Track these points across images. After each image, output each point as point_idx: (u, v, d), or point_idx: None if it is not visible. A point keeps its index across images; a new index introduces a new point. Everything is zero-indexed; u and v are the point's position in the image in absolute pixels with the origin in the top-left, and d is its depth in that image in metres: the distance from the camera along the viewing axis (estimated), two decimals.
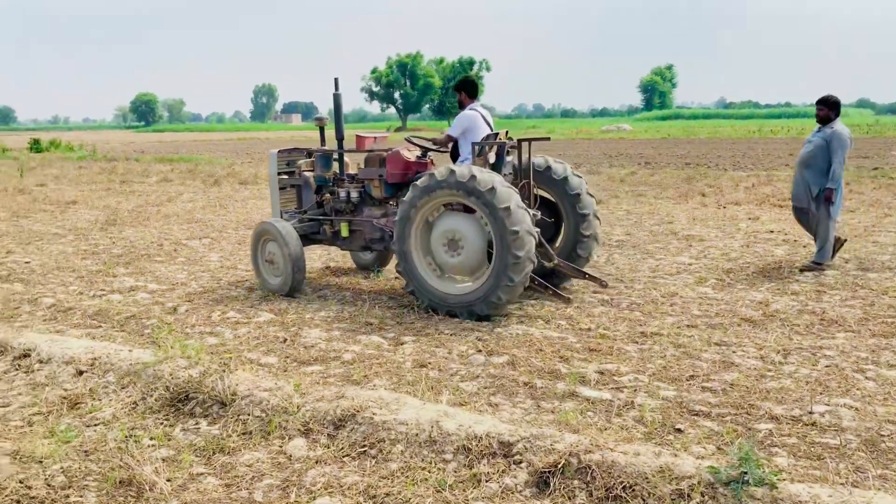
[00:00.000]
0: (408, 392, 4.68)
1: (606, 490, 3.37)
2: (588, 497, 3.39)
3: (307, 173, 8.13)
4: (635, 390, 4.72)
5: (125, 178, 21.43)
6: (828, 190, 7.92)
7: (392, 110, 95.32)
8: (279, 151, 8.23)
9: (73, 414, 4.60)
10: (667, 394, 4.65)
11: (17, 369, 5.35)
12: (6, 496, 3.48)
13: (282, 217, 7.99)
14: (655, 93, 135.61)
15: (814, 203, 8.05)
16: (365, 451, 3.94)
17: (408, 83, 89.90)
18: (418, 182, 6.64)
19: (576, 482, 3.45)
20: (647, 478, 3.35)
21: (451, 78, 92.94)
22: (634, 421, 4.26)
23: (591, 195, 7.43)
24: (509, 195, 6.20)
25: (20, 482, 3.60)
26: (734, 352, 5.44)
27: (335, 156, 8.11)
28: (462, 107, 7.43)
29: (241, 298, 7.34)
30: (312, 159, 8.25)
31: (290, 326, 6.33)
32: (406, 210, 6.66)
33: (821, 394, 4.62)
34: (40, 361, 5.35)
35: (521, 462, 3.65)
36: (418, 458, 3.81)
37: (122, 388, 4.86)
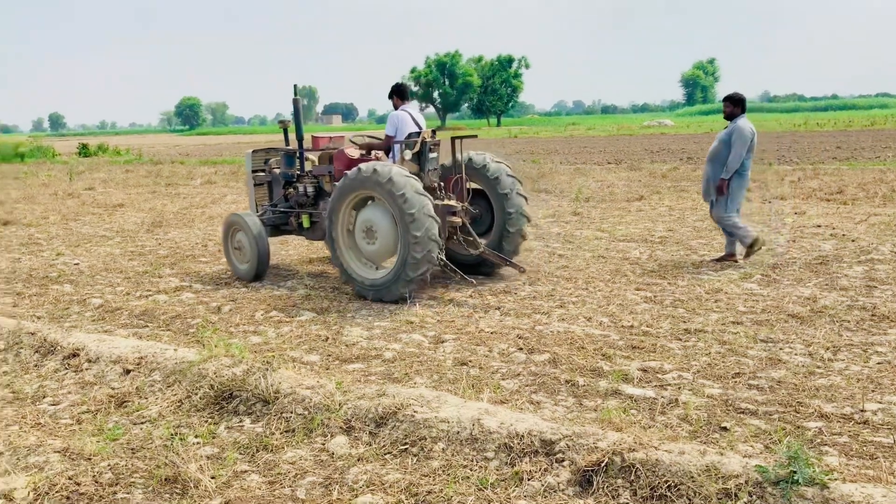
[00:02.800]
0: (449, 390, 4.67)
1: (651, 489, 3.33)
2: (632, 496, 3.34)
3: (276, 170, 8.92)
4: (679, 388, 4.65)
5: (170, 181, 21.79)
6: (721, 180, 8.24)
7: (431, 109, 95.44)
8: (254, 151, 9.22)
9: (121, 412, 4.68)
10: (712, 391, 4.57)
11: (66, 368, 5.47)
12: (56, 492, 3.55)
13: (257, 210, 8.87)
14: (697, 87, 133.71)
15: (714, 196, 8.35)
16: (406, 448, 3.94)
17: (446, 82, 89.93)
18: (346, 177, 7.30)
19: (619, 481, 3.41)
20: (692, 477, 3.30)
21: (490, 76, 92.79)
22: (679, 419, 4.20)
23: (521, 195, 7.95)
24: (406, 183, 6.84)
25: (69, 479, 3.67)
26: (781, 349, 5.32)
27: (298, 154, 8.77)
28: (395, 109, 8.17)
29: (283, 298, 7.40)
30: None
31: (332, 325, 6.37)
32: (332, 204, 7.41)
33: (873, 391, 4.50)
34: (89, 361, 5.46)
35: (563, 460, 3.62)
36: (460, 457, 3.80)
37: (168, 386, 4.93)
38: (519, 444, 3.75)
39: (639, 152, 28.44)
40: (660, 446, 3.51)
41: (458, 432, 3.93)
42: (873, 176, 16.07)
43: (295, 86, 8.79)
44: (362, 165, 7.13)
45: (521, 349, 5.49)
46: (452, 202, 7.58)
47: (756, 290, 6.98)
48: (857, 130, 39.98)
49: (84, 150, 39.85)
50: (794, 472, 3.12)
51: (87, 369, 5.37)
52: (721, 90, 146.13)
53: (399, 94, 8.21)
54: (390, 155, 7.92)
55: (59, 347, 5.72)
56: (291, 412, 4.40)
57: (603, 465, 3.46)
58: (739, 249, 8.41)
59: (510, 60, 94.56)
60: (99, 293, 7.87)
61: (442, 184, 7.80)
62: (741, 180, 8.35)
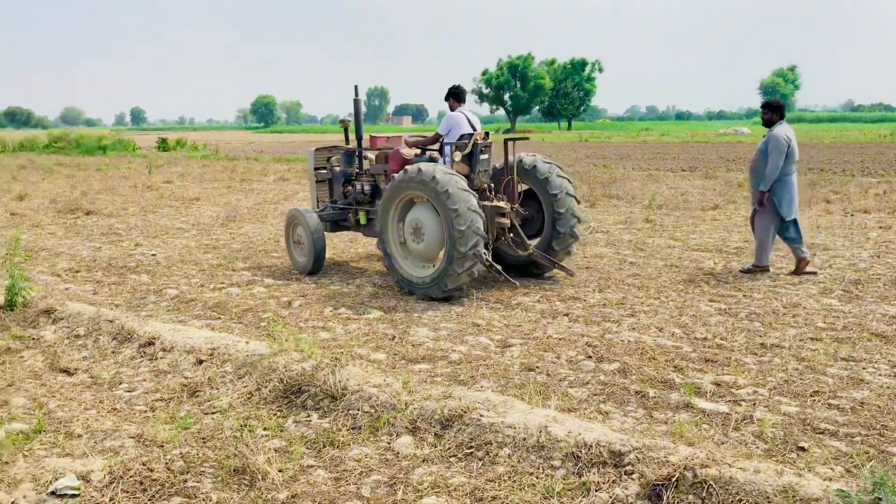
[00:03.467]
0: (515, 395, 4.63)
1: None
2: None
3: (336, 168, 9.22)
4: (754, 404, 4.50)
5: (245, 177, 22.27)
6: (760, 193, 8.11)
7: (501, 112, 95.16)
8: (317, 149, 9.57)
9: (193, 401, 4.79)
10: (789, 409, 4.41)
11: (142, 356, 5.62)
12: (130, 476, 3.64)
13: (318, 206, 9.20)
14: (776, 95, 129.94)
15: (757, 207, 8.21)
16: (471, 452, 3.92)
17: (518, 85, 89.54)
18: (395, 177, 7.55)
19: (690, 497, 3.31)
20: (768, 497, 3.18)
21: (562, 79, 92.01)
22: (753, 436, 4.06)
23: (572, 195, 7.98)
24: (450, 181, 7.01)
25: (143, 464, 3.76)
26: (864, 368, 5.11)
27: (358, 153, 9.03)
28: (451, 111, 8.24)
29: (352, 295, 7.47)
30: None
31: (399, 324, 6.39)
32: (383, 205, 7.66)
33: None
34: (164, 350, 5.60)
35: (632, 473, 3.54)
36: (526, 463, 3.76)
37: (239, 378, 5.02)
38: (587, 453, 3.68)
39: (714, 160, 27.79)
40: (734, 463, 3.40)
41: (525, 439, 3.89)
42: None
43: (356, 87, 8.99)
44: (409, 167, 7.35)
45: (589, 357, 5.41)
46: (501, 203, 7.69)
47: (836, 307, 6.72)
48: None
49: (163, 145, 41.13)
50: (880, 500, 2.97)
51: (161, 358, 5.51)
52: (801, 98, 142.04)
53: (455, 96, 8.29)
54: (443, 156, 8.00)
55: (135, 335, 5.89)
56: (358, 409, 4.42)
57: (674, 480, 3.37)
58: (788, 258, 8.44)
59: (583, 64, 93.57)
60: (174, 284, 8.08)
61: (492, 185, 7.93)
62: (785, 188, 8.13)
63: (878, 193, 15.37)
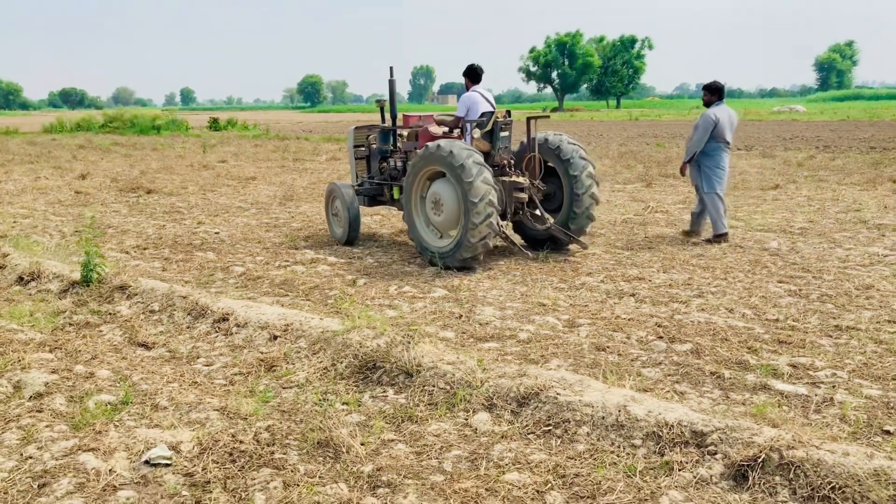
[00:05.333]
0: (588, 374, 4.64)
1: (812, 489, 3.19)
2: (791, 495, 3.22)
3: (374, 146, 9.60)
4: (834, 387, 4.44)
5: (297, 157, 22.49)
6: (683, 164, 9.21)
7: (549, 90, 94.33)
8: (356, 128, 9.91)
9: (270, 376, 4.89)
10: (871, 392, 4.34)
11: (216, 331, 5.75)
12: (220, 447, 3.75)
13: (357, 181, 9.66)
14: (833, 71, 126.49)
15: (694, 175, 9.07)
16: (550, 430, 3.94)
17: (566, 62, 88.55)
18: (418, 152, 7.91)
19: (777, 478, 3.29)
20: (859, 480, 3.15)
21: (611, 57, 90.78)
22: (836, 419, 4.01)
23: (591, 178, 8.22)
24: (465, 155, 7.33)
25: (231, 436, 3.87)
26: None
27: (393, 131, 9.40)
28: (467, 90, 8.49)
29: (415, 274, 7.53)
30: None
31: (465, 303, 6.43)
32: (408, 178, 8.06)
33: None
34: (237, 325, 5.72)
35: (715, 453, 3.52)
36: (606, 442, 3.77)
37: (314, 353, 5.11)
38: (668, 433, 3.68)
39: (770, 139, 27.21)
40: (821, 446, 3.37)
41: (604, 417, 3.89)
42: None
43: (391, 68, 9.38)
44: (442, 142, 7.61)
45: (660, 338, 5.38)
46: (520, 179, 8.05)
47: None
48: None
49: (214, 125, 41.69)
50: None
51: (236, 333, 5.63)
52: (859, 74, 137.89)
53: (471, 76, 8.53)
54: (464, 134, 8.24)
55: (209, 311, 6.02)
56: (433, 386, 4.47)
57: (759, 460, 3.35)
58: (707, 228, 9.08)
59: (633, 41, 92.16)
60: (240, 262, 8.23)
61: (512, 161, 8.27)
62: (712, 161, 8.89)
63: None
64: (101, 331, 5.93)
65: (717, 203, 8.81)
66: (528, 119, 8.31)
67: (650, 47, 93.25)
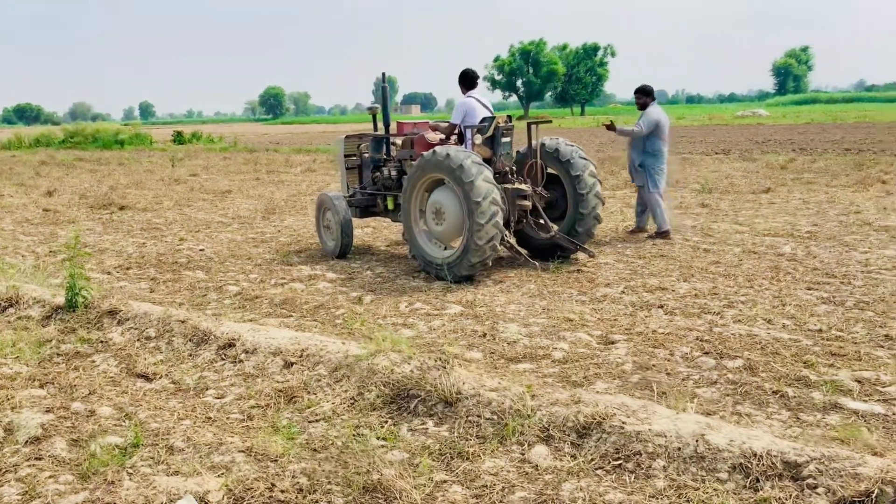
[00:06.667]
0: (641, 397, 4.27)
1: None
2: None
3: (366, 155, 9.22)
4: None
5: (270, 169, 21.93)
6: (612, 123, 9.82)
7: (514, 98, 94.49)
8: (347, 136, 9.56)
9: (292, 408, 4.44)
10: None
11: (223, 359, 5.28)
12: (257, 496, 3.30)
13: (348, 192, 9.28)
14: (790, 76, 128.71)
15: (638, 177, 9.42)
16: (620, 464, 3.55)
17: (531, 71, 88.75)
18: (415, 162, 7.56)
19: None
20: None
21: (575, 65, 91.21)
22: None
23: (594, 177, 8.04)
24: (476, 171, 6.96)
25: (265, 484, 3.41)
26: None
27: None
28: (463, 95, 8.26)
29: (423, 289, 7.11)
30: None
31: (485, 320, 6.03)
32: (406, 185, 7.66)
33: None
34: (246, 352, 5.26)
35: (815, 487, 3.16)
36: (687, 476, 3.39)
37: (336, 381, 4.67)
38: (758, 465, 3.31)
39: (743, 142, 27.28)
40: None
41: (680, 448, 3.52)
42: None
43: (383, 74, 9.17)
44: (437, 148, 7.29)
45: (706, 353, 5.03)
46: (522, 186, 7.74)
47: None
48: None
49: (179, 138, 40.79)
50: None
51: (245, 360, 5.16)
52: (814, 79, 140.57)
53: (464, 82, 8.35)
54: (464, 141, 7.91)
55: (212, 336, 5.54)
56: (478, 416, 4.06)
57: (873, 496, 3.00)
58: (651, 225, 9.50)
59: (595, 49, 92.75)
60: (233, 280, 7.74)
61: (514, 168, 7.98)
62: (657, 162, 9.33)
63: None
64: (93, 361, 5.42)
65: (661, 202, 9.29)
66: (529, 125, 8.04)
67: (613, 55, 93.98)
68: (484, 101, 8.26)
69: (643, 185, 9.40)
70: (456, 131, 8.18)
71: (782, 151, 22.20)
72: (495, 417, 4.01)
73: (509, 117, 8.05)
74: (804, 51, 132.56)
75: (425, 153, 7.42)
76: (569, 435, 3.80)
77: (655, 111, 9.42)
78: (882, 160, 17.91)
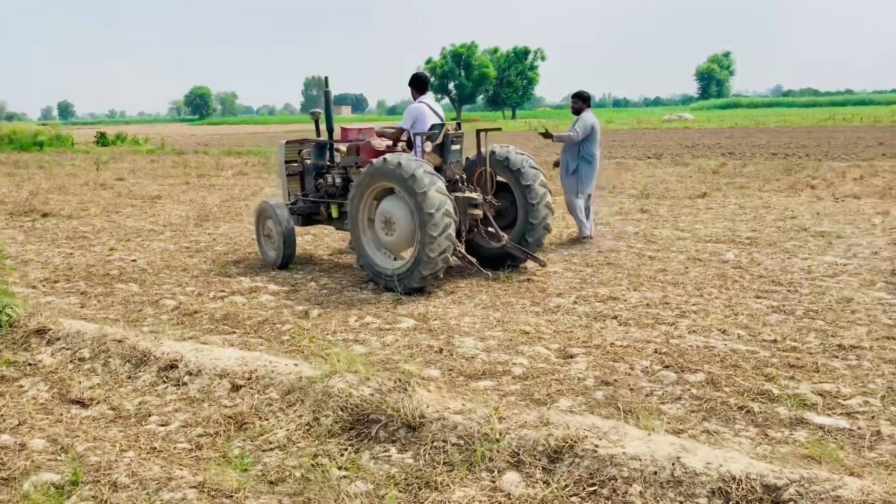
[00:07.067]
0: (607, 416, 4.18)
1: None
2: None
3: (308, 161, 8.91)
4: (873, 417, 4.13)
5: (201, 172, 21.29)
6: (546, 131, 9.78)
7: (446, 101, 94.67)
8: (288, 142, 9.27)
9: (243, 436, 4.19)
10: None
11: (165, 382, 4.98)
12: None
13: (289, 200, 8.96)
14: (712, 81, 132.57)
15: (567, 181, 9.55)
16: (595, 490, 3.43)
17: (462, 73, 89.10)
18: (363, 169, 7.34)
19: None
20: None
21: (506, 68, 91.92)
22: (894, 457, 3.68)
23: (544, 186, 7.94)
24: (429, 181, 6.78)
25: None
26: None
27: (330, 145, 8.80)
28: (415, 100, 8.06)
29: (372, 302, 6.90)
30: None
31: (439, 334, 5.86)
32: (353, 193, 7.40)
33: None
34: (189, 374, 4.97)
35: None
36: (665, 502, 3.29)
37: (289, 405, 4.44)
38: (737, 489, 3.23)
39: (673, 147, 27.83)
40: None
41: (656, 472, 3.41)
42: None
43: (326, 78, 8.74)
44: (388, 156, 7.05)
45: (667, 367, 4.97)
46: (474, 195, 7.61)
47: (888, 300, 6.44)
48: (888, 126, 39.21)
49: (102, 140, 39.35)
50: None
51: (189, 383, 4.87)
52: (736, 84, 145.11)
53: (415, 85, 8.15)
54: (413, 148, 7.70)
55: (151, 357, 5.22)
56: (444, 441, 3.89)
57: None
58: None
59: (526, 52, 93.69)
60: (170, 294, 7.38)
61: (464, 176, 7.84)
62: (590, 169, 9.53)
63: (856, 178, 15.39)
64: (21, 386, 5.05)
65: (583, 207, 9.49)
66: (478, 132, 7.92)
67: (543, 58, 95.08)
68: (435, 106, 8.12)
69: (570, 189, 9.51)
70: (404, 137, 8.00)
71: (712, 156, 22.70)
72: (462, 442, 3.85)
73: (458, 124, 7.92)
74: (726, 56, 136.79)
75: (375, 160, 7.18)
76: (540, 460, 3.66)
77: (590, 116, 9.52)
78: (808, 164, 18.46)
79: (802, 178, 15.46)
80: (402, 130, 7.96)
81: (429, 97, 8.18)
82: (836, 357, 5.09)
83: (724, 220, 10.93)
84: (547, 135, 9.69)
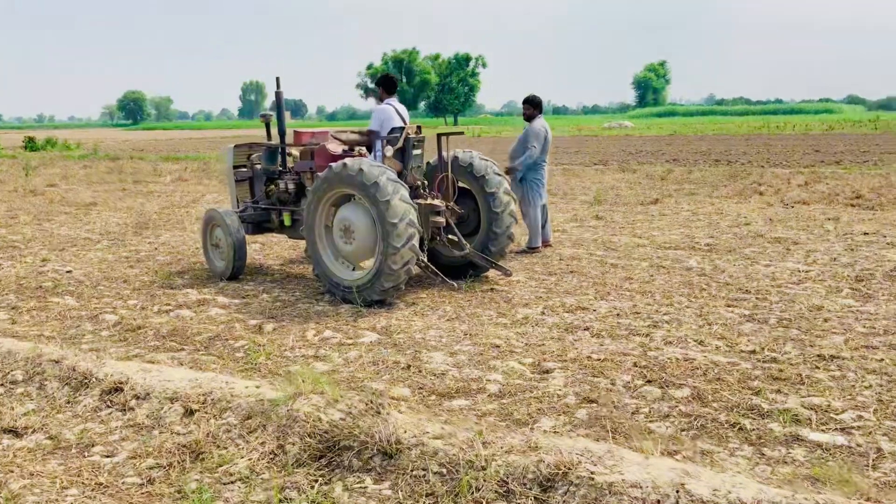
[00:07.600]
0: (596, 438, 3.92)
1: None
2: None
3: (258, 166, 8.53)
4: (870, 433, 3.96)
5: (137, 179, 20.51)
6: (508, 168, 9.08)
7: None
8: (236, 146, 8.89)
9: (200, 467, 3.80)
10: None
11: (108, 406, 4.54)
12: None
13: (238, 207, 8.54)
14: (649, 89, 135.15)
15: (516, 190, 8.86)
16: None
17: (404, 79, 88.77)
18: (321, 174, 6.96)
19: None
20: None
21: (447, 75, 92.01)
22: None
23: (509, 194, 7.69)
24: (393, 189, 6.46)
25: None
26: None
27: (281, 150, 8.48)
28: (380, 102, 7.87)
29: (331, 315, 6.53)
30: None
31: (405, 349, 5.54)
32: (310, 199, 7.02)
33: None
34: (136, 397, 4.54)
35: None
36: None
37: (250, 432, 4.05)
38: None
39: (617, 153, 28.04)
40: None
41: (660, 501, 3.16)
42: (879, 181, 15.77)
43: (277, 79, 8.42)
44: (348, 161, 6.69)
45: (649, 382, 4.74)
46: (436, 202, 7.31)
47: (856, 306, 6.36)
48: (820, 134, 40.37)
49: (31, 145, 37.88)
50: None
51: (136, 408, 4.45)
52: (672, 93, 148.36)
53: (384, 86, 7.98)
54: (373, 151, 7.45)
55: (93, 379, 4.78)
56: (425, 469, 3.57)
57: None
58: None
59: (467, 59, 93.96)
60: (110, 308, 6.88)
61: (426, 182, 7.57)
62: (538, 176, 9.27)
63: (801, 184, 15.60)
64: None
65: (539, 216, 9.19)
66: (439, 136, 7.59)
67: (484, 65, 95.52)
68: (401, 109, 7.83)
69: (523, 197, 9.16)
70: (372, 140, 7.62)
71: (657, 162, 22.88)
72: (444, 471, 3.54)
73: (419, 127, 7.62)
74: (662, 65, 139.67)
75: (334, 165, 6.80)
76: (531, 489, 3.37)
77: (541, 123, 9.31)
78: (753, 171, 18.71)
79: (749, 185, 15.60)
80: (373, 133, 7.57)
81: (394, 99, 7.90)
82: (818, 368, 4.94)
83: (680, 226, 10.86)
84: (510, 170, 9.18)
